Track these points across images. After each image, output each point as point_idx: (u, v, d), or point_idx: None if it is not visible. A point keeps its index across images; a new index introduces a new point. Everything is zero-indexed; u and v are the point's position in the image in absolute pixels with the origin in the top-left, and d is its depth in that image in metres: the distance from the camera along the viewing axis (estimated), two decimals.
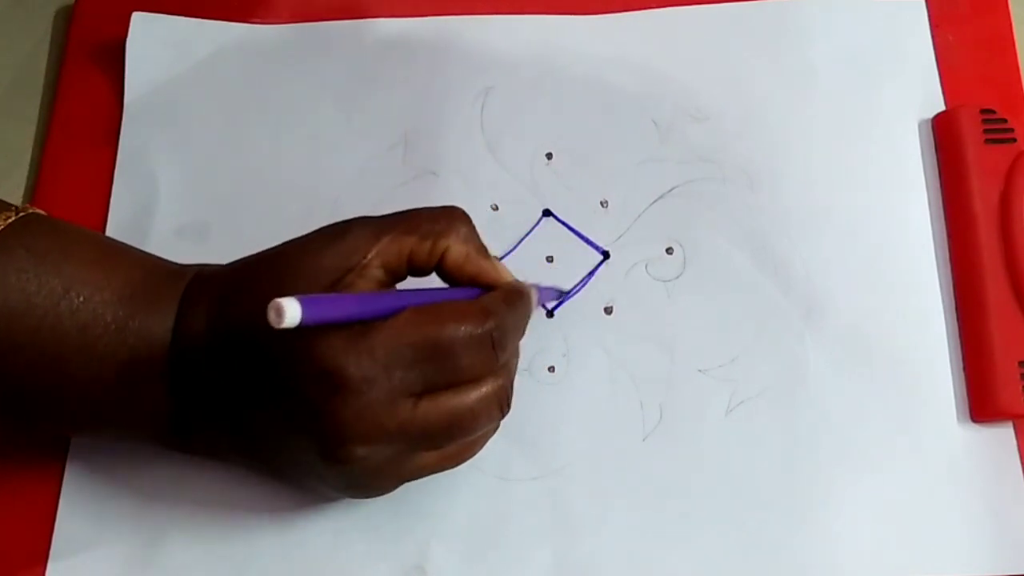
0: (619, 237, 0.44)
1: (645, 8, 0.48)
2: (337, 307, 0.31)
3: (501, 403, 0.35)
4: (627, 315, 0.43)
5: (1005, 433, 0.41)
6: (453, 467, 0.37)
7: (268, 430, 0.35)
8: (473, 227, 0.36)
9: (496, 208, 0.45)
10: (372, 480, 0.35)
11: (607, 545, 0.39)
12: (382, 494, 0.37)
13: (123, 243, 0.39)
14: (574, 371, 0.42)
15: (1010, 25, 0.47)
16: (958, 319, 0.43)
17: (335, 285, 0.33)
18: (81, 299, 0.35)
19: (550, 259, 0.44)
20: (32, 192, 0.46)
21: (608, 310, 0.43)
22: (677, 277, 0.44)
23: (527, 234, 0.44)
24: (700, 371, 0.42)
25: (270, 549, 0.40)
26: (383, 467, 0.34)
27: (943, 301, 0.43)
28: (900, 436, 0.41)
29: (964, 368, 0.42)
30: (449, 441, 0.34)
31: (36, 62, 0.49)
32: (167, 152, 0.46)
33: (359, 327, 0.32)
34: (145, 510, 0.40)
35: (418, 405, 0.33)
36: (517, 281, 0.37)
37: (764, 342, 0.42)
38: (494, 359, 0.34)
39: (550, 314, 0.43)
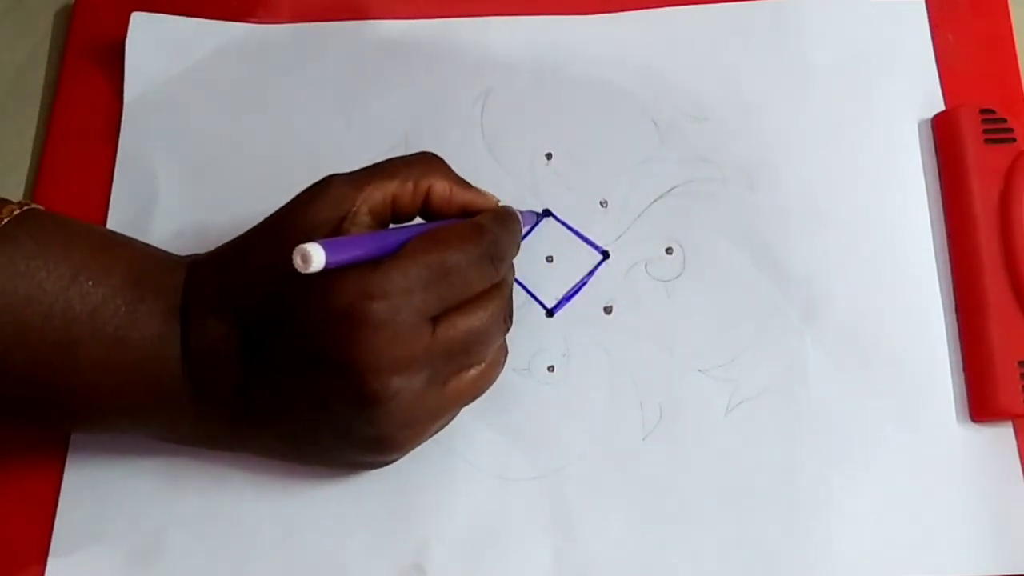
0: (619, 237, 0.44)
1: (645, 8, 0.48)
2: (354, 247, 0.33)
3: (505, 316, 0.37)
4: (627, 315, 0.43)
5: (1005, 433, 0.41)
6: (474, 398, 0.38)
7: (297, 391, 0.35)
8: (448, 166, 0.38)
9: None
10: (405, 424, 0.36)
11: (607, 545, 0.39)
12: (412, 448, 0.38)
13: (122, 234, 0.39)
14: (574, 371, 0.42)
15: (1010, 25, 0.47)
16: (958, 319, 0.43)
17: (332, 235, 0.35)
18: (90, 283, 0.35)
19: (550, 259, 0.44)
20: (32, 191, 0.46)
21: (608, 310, 0.43)
22: (677, 277, 0.44)
23: (527, 234, 0.44)
24: (700, 371, 0.42)
25: (270, 548, 0.40)
26: (415, 404, 0.35)
27: (943, 301, 0.43)
28: (900, 436, 0.41)
29: (964, 368, 0.42)
30: (468, 359, 0.36)
31: (36, 62, 0.49)
32: (167, 152, 0.46)
33: (370, 263, 0.33)
34: (145, 509, 0.40)
35: (436, 329, 0.34)
36: (504, 205, 0.40)
37: (764, 342, 0.42)
38: (494, 272, 0.36)
39: (550, 314, 0.43)
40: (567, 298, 0.43)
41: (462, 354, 0.36)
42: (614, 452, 0.41)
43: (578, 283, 0.44)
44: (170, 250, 0.41)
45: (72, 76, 0.48)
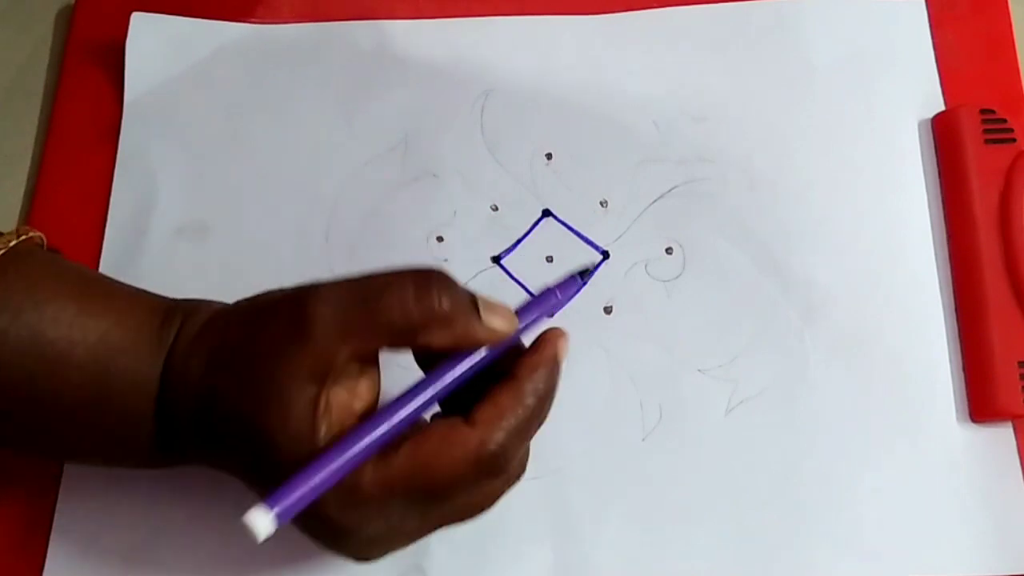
0: (619, 237, 0.44)
1: (645, 8, 0.48)
2: (306, 494, 0.29)
3: (507, 487, 0.34)
4: (627, 315, 0.43)
5: (1005, 433, 0.41)
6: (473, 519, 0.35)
7: None
8: (452, 294, 0.32)
9: (496, 208, 0.45)
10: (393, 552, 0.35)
11: (607, 545, 0.39)
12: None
13: (112, 280, 0.37)
14: (574, 371, 0.42)
15: (1010, 25, 0.47)
16: (958, 319, 0.43)
17: (313, 406, 0.31)
18: (64, 343, 0.33)
19: (550, 259, 0.44)
20: (32, 192, 0.46)
21: (608, 310, 0.43)
22: (677, 277, 0.44)
23: (527, 234, 0.44)
24: (700, 371, 0.42)
25: (269, 549, 0.39)
26: (398, 549, 0.34)
27: (943, 301, 0.43)
28: (900, 436, 0.41)
29: (964, 368, 0.42)
30: (463, 522, 0.34)
31: (36, 62, 0.49)
32: (167, 152, 0.46)
33: (349, 480, 0.30)
34: (143, 511, 0.40)
35: (422, 522, 0.32)
36: (539, 345, 0.33)
37: (764, 342, 0.42)
38: (496, 489, 0.33)
39: (550, 314, 0.43)
40: (567, 298, 0.43)
41: (449, 524, 0.33)
42: (614, 452, 0.41)
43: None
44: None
45: (72, 76, 0.48)
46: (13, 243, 0.35)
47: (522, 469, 0.35)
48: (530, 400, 0.32)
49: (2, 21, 0.50)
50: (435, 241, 0.44)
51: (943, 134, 0.45)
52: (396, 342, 0.32)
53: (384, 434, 0.31)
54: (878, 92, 0.46)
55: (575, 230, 0.45)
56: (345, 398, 0.32)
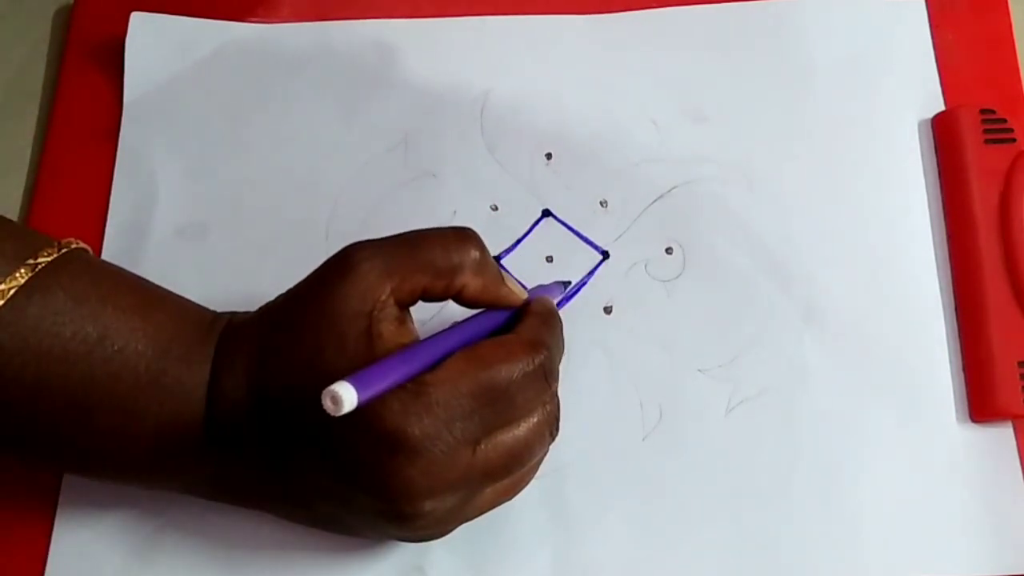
0: (619, 237, 0.44)
1: (645, 8, 0.48)
2: (387, 375, 0.30)
3: (551, 428, 0.35)
4: (627, 315, 0.43)
5: (1005, 433, 0.41)
6: (509, 500, 0.37)
7: (325, 491, 0.34)
8: (485, 250, 0.35)
9: (496, 208, 0.45)
10: (435, 529, 0.35)
11: (607, 545, 0.39)
12: (440, 537, 0.36)
13: (160, 288, 0.37)
14: (574, 371, 0.42)
15: (1010, 25, 0.47)
16: (958, 319, 0.43)
17: (366, 335, 0.32)
18: (115, 348, 0.34)
19: (550, 259, 0.44)
20: (32, 191, 0.46)
21: (608, 310, 0.43)
22: (677, 277, 0.44)
23: (526, 234, 0.45)
24: (700, 371, 0.42)
25: (269, 549, 0.40)
26: (446, 516, 0.34)
27: (943, 301, 0.43)
28: (900, 436, 0.41)
29: (964, 368, 0.42)
30: (506, 476, 0.34)
31: (36, 62, 0.49)
32: (167, 152, 0.46)
33: (413, 385, 0.31)
34: (143, 510, 0.40)
35: (477, 450, 0.33)
36: (541, 298, 0.37)
37: (764, 342, 0.42)
38: (547, 389, 0.34)
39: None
40: (567, 298, 0.43)
41: (501, 473, 0.34)
42: (614, 452, 0.41)
43: (578, 283, 0.44)
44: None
45: (72, 76, 0.48)
46: (74, 245, 0.36)
47: (557, 380, 0.35)
48: (553, 319, 0.36)
49: (2, 21, 0.50)
50: None
51: (943, 134, 0.45)
52: (435, 282, 0.34)
53: (438, 350, 0.33)
54: (878, 92, 0.46)
55: (575, 230, 0.45)
56: (392, 336, 0.33)
